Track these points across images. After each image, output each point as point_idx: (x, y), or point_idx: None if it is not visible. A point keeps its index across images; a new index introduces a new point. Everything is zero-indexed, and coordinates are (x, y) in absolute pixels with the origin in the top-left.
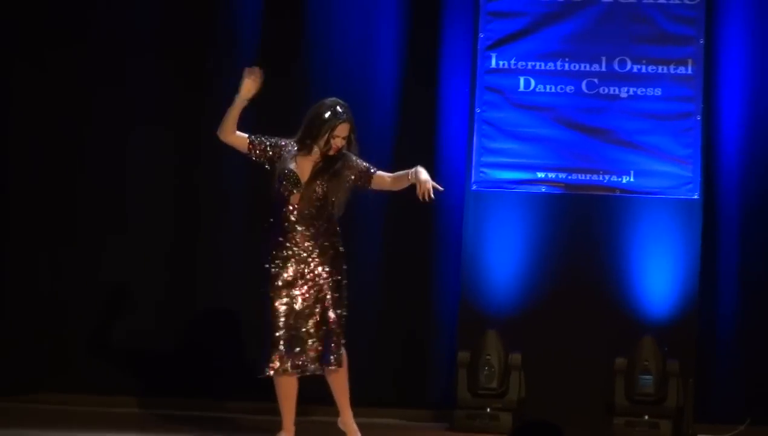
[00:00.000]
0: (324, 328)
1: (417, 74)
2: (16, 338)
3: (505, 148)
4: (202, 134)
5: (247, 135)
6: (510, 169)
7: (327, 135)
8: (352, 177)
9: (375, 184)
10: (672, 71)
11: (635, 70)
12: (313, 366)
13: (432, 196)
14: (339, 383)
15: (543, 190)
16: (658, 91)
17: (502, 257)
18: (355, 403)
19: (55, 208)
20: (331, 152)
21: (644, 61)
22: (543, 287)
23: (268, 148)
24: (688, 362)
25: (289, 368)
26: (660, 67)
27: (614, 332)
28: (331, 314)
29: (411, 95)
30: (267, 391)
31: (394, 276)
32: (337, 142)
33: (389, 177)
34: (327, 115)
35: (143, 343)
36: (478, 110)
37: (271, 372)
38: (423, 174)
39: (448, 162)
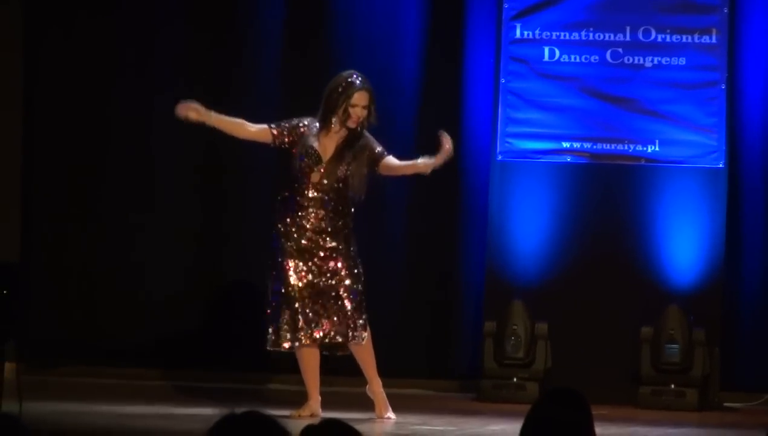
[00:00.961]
0: (340, 302)
1: (441, 46)
2: (43, 310)
3: (530, 118)
4: (228, 105)
5: (266, 126)
6: (535, 139)
7: (344, 105)
8: (369, 158)
9: (383, 169)
10: (696, 40)
11: (659, 39)
12: (333, 339)
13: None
14: (364, 355)
15: (568, 160)
16: (682, 61)
17: (528, 226)
18: (382, 373)
19: (82, 179)
20: (351, 124)
21: (668, 31)
22: (569, 257)
23: (286, 134)
24: (713, 331)
25: (306, 340)
26: (684, 36)
27: (640, 301)
28: (348, 289)
29: (435, 67)
30: (288, 363)
31: (420, 247)
32: (357, 112)
33: (399, 164)
34: (343, 85)
35: (168, 316)
36: (503, 80)
37: (287, 345)
38: (439, 156)
39: (473, 133)
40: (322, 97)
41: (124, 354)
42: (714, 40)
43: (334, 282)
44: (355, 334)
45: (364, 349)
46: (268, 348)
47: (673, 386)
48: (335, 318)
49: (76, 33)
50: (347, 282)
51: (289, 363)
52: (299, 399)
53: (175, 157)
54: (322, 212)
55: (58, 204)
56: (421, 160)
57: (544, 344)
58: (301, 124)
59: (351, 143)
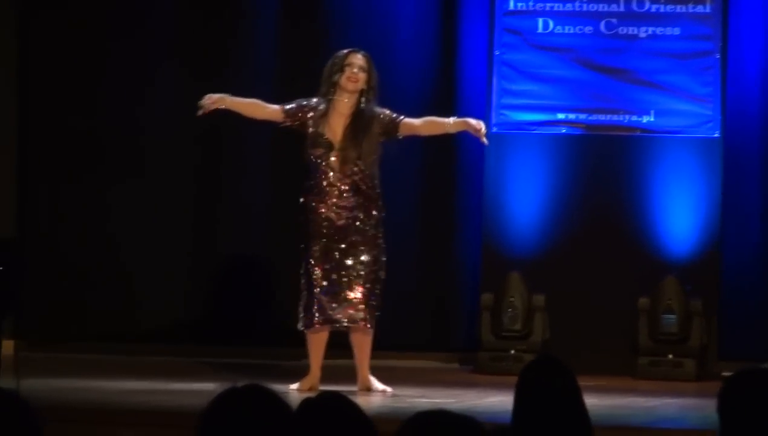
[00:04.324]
0: (361, 287)
1: (435, 19)
2: (40, 286)
3: (524, 89)
4: (223, 80)
5: (279, 107)
6: (530, 111)
7: (343, 69)
8: (379, 131)
9: (403, 131)
10: (690, 10)
11: (653, 9)
12: (345, 322)
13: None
14: (365, 343)
15: (563, 131)
16: (676, 30)
17: (524, 198)
18: (379, 347)
19: (78, 155)
20: (350, 86)
21: (662, 1)
22: (565, 228)
23: (292, 114)
24: (711, 301)
25: (325, 323)
26: (678, 6)
27: (637, 272)
28: (370, 275)
29: (430, 40)
30: (282, 337)
31: (415, 220)
32: (357, 74)
33: (419, 122)
34: (339, 54)
35: (166, 291)
36: (497, 52)
37: (309, 327)
38: (471, 120)
39: (467, 104)
40: (321, 75)
41: (122, 330)
42: (708, 10)
43: (359, 267)
44: (366, 318)
45: (367, 337)
46: (298, 328)
47: (670, 356)
48: (355, 302)
49: (70, 5)
50: (369, 267)
51: (288, 338)
52: (299, 373)
53: (172, 131)
54: (345, 194)
55: (54, 180)
56: (451, 120)
57: (541, 315)
58: (306, 106)
59: (358, 122)
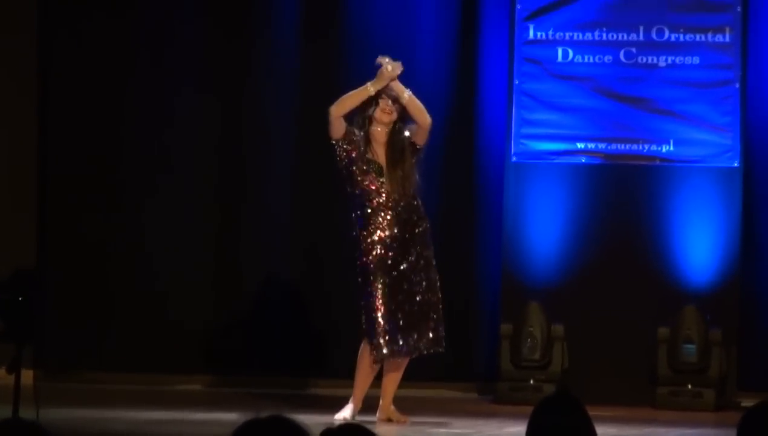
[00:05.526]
0: (423, 312)
1: (455, 48)
2: (59, 316)
3: (544, 119)
4: (244, 100)
5: (345, 126)
6: (549, 140)
7: (377, 101)
8: (410, 151)
9: (419, 141)
10: (710, 39)
11: (673, 38)
12: (407, 349)
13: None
14: (401, 367)
15: (583, 160)
16: (696, 60)
17: (543, 228)
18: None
19: (98, 185)
20: (385, 118)
21: (682, 30)
22: (584, 258)
23: (352, 143)
24: (730, 331)
25: (391, 353)
26: (698, 35)
27: (656, 302)
28: (430, 297)
29: (450, 68)
30: (308, 366)
31: (435, 250)
32: (391, 106)
33: (415, 130)
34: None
35: (187, 321)
36: (516, 82)
37: (379, 358)
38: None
39: (487, 134)
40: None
41: (142, 360)
42: (727, 39)
43: (418, 291)
44: (431, 342)
45: (402, 369)
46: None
47: (690, 386)
48: (419, 327)
49: (91, 28)
50: (428, 291)
51: (317, 367)
52: (329, 403)
53: (191, 157)
54: (399, 218)
55: (74, 210)
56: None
57: (560, 345)
58: (356, 134)
59: (395, 143)
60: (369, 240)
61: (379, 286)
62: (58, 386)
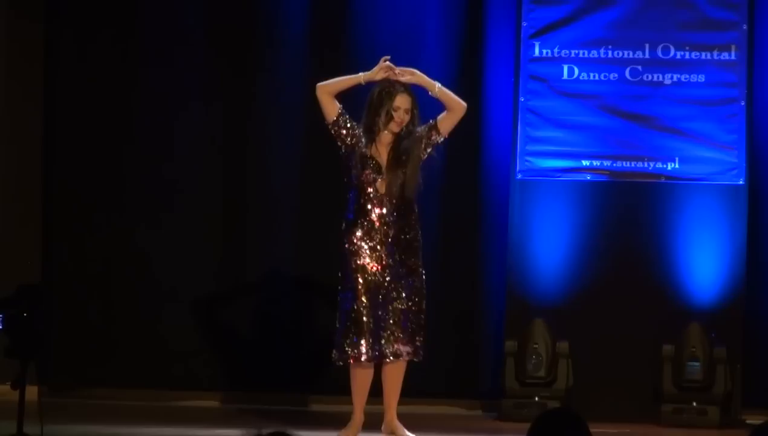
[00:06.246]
0: (401, 316)
1: (461, 63)
2: (64, 332)
3: (549, 136)
4: (251, 113)
5: (340, 106)
6: (555, 158)
7: (387, 106)
8: (423, 145)
9: (445, 127)
10: (715, 57)
11: (678, 56)
12: (389, 352)
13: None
14: (397, 376)
15: (588, 178)
16: (701, 78)
17: (548, 245)
18: (404, 394)
19: (102, 200)
20: (394, 128)
21: (687, 48)
22: (589, 275)
23: (351, 131)
24: (735, 348)
25: (368, 357)
26: (703, 53)
27: (661, 319)
28: (408, 303)
29: (455, 84)
30: (311, 382)
31: (440, 266)
32: (400, 115)
33: (445, 113)
34: (386, 87)
35: (191, 336)
36: (522, 99)
37: (351, 361)
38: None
39: (492, 151)
40: (366, 103)
41: (147, 376)
42: (733, 57)
43: (395, 296)
44: (408, 349)
45: (400, 369)
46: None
47: (694, 403)
48: (396, 332)
49: (96, 42)
50: (407, 296)
51: (321, 383)
52: (336, 420)
53: (197, 172)
54: (389, 220)
55: (79, 225)
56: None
57: (565, 362)
58: (358, 129)
59: (401, 145)
60: (353, 235)
61: (355, 286)
62: (62, 401)
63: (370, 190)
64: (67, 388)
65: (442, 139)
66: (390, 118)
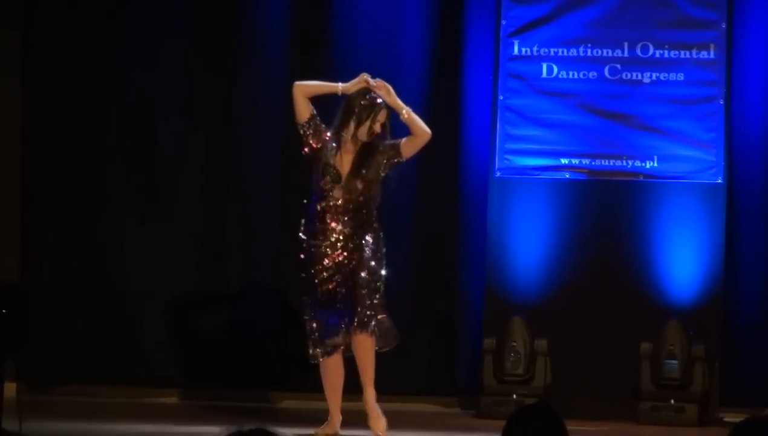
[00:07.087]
0: (355, 293)
1: (440, 62)
2: (43, 329)
3: (528, 134)
4: (231, 117)
5: (312, 109)
6: (534, 156)
7: (369, 121)
8: (385, 161)
9: (407, 151)
10: (694, 56)
11: (658, 55)
12: (346, 334)
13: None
14: (364, 350)
15: (567, 176)
16: (680, 76)
17: (527, 243)
18: (382, 391)
19: (82, 198)
20: (365, 138)
21: (666, 46)
22: (568, 273)
23: (320, 136)
24: (713, 346)
25: (329, 349)
26: (682, 52)
27: (639, 317)
28: (363, 275)
29: (434, 84)
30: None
31: (419, 264)
32: (377, 128)
33: (409, 137)
34: (367, 102)
35: (171, 334)
36: (501, 97)
37: (320, 360)
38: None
39: (471, 149)
40: (342, 106)
41: (126, 373)
42: (712, 56)
43: (350, 277)
44: (360, 321)
45: (366, 343)
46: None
47: (672, 401)
48: (348, 311)
49: (75, 51)
50: (363, 275)
51: (301, 381)
52: (310, 418)
53: (178, 175)
54: (346, 225)
55: (58, 223)
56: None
57: (543, 360)
58: (326, 133)
59: (365, 155)
60: (312, 240)
61: (314, 290)
62: (41, 398)
63: (328, 197)
64: (46, 385)
65: (403, 160)
66: (366, 128)
